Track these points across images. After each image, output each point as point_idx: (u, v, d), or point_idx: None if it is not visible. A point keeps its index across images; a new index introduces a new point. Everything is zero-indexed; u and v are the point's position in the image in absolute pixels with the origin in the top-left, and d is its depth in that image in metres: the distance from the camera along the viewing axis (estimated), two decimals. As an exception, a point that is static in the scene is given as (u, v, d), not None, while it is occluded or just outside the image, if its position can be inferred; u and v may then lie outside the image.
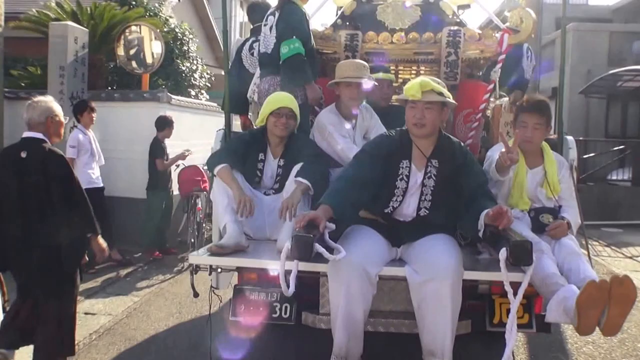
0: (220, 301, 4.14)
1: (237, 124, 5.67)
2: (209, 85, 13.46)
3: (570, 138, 4.28)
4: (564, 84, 4.26)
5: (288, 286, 2.99)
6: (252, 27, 5.84)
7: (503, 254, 2.92)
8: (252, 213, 3.71)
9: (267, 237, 3.97)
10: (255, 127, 4.31)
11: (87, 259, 4.03)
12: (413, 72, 5.28)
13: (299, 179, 3.75)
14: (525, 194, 3.74)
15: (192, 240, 7.93)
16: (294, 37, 4.47)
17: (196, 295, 3.86)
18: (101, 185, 7.34)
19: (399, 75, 5.31)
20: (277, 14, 4.63)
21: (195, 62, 12.73)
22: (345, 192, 3.31)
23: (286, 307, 3.68)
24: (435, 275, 3.13)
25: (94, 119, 7.32)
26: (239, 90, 5.28)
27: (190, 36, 12.66)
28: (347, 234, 3.43)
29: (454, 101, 3.52)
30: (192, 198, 8.15)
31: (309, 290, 3.63)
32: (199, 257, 3.60)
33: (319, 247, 2.90)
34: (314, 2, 5.37)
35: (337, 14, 5.72)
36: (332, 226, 3.22)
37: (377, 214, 3.54)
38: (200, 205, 8.09)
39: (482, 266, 3.47)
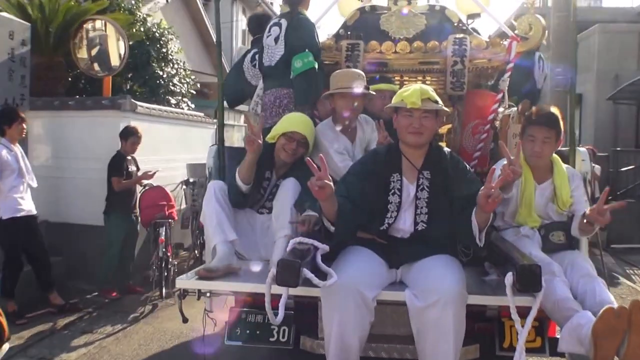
0: (215, 324, 3.89)
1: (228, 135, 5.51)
2: (194, 92, 12.19)
3: (583, 150, 4.03)
4: (575, 90, 4.02)
5: (276, 315, 2.78)
6: (252, 38, 5.64)
7: (509, 279, 2.68)
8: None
9: (262, 257, 3.77)
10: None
11: (16, 307, 3.63)
12: (419, 82, 5.04)
13: (310, 212, 3.44)
14: (534, 210, 3.51)
15: (152, 279, 6.76)
16: (307, 50, 4.31)
17: (185, 320, 3.67)
18: (34, 212, 5.91)
19: (404, 86, 5.07)
20: (283, 25, 4.44)
21: (175, 66, 11.34)
22: (342, 208, 3.10)
23: (284, 331, 3.48)
24: (436, 300, 2.89)
25: (25, 131, 5.95)
26: (234, 99, 5.19)
27: (171, 37, 11.32)
28: (342, 255, 3.22)
29: (447, 109, 3.38)
30: (154, 227, 6.96)
31: (309, 313, 3.44)
32: (186, 282, 3.41)
33: (307, 273, 2.69)
34: (316, 11, 5.21)
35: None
36: (326, 248, 3.01)
37: (373, 232, 3.31)
38: (163, 237, 6.82)
39: (489, 289, 3.22)
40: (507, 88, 4.73)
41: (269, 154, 3.89)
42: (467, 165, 3.43)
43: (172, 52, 11.27)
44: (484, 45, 4.73)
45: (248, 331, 3.50)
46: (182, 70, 11.63)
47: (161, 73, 10.66)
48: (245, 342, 3.51)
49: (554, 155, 3.64)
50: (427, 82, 5.02)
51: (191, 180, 8.09)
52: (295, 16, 4.43)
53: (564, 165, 3.66)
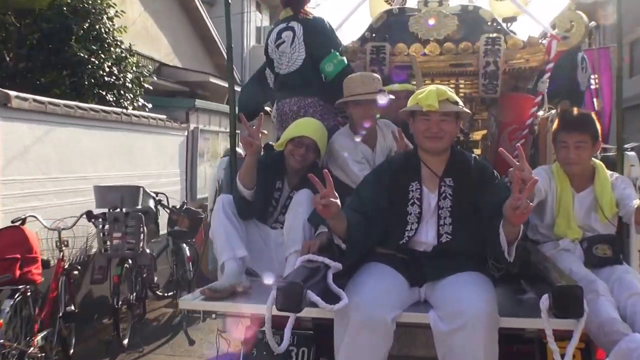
0: (229, 345, 3.66)
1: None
2: (147, 86, 9.30)
3: (632, 154, 3.65)
4: (622, 87, 3.63)
5: (279, 342, 2.51)
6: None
7: (545, 302, 2.33)
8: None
9: (277, 275, 3.46)
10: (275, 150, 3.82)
11: None
12: (452, 86, 4.71)
13: (323, 229, 3.17)
14: (574, 221, 3.19)
15: None
16: (332, 50, 4.09)
17: (191, 343, 3.43)
18: None
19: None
20: (297, 28, 4.17)
21: (113, 49, 8.44)
22: (352, 218, 2.85)
23: (303, 352, 3.18)
24: (463, 324, 2.56)
25: None
26: (251, 106, 4.84)
27: (111, 12, 8.59)
28: (357, 273, 2.91)
29: (468, 111, 3.10)
30: None
31: (330, 333, 3.07)
32: (189, 302, 3.16)
33: (312, 296, 2.39)
34: (342, 15, 4.92)
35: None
36: (338, 266, 2.72)
37: (392, 247, 3.01)
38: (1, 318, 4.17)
39: (526, 310, 2.84)
40: (546, 90, 4.38)
41: (279, 162, 3.64)
42: (495, 171, 3.09)
43: (109, 30, 8.49)
44: (521, 45, 4.39)
45: (265, 352, 3.19)
46: (130, 56, 8.82)
47: (85, 56, 7.80)
48: None
49: (597, 161, 3.32)
50: (461, 86, 4.70)
51: (97, 211, 5.82)
52: (311, 19, 4.20)
53: (609, 172, 3.32)
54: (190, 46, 15.52)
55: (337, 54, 4.13)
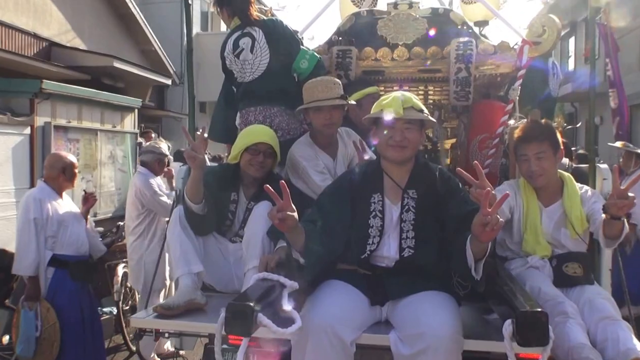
0: None
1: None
2: None
3: (604, 167, 3.53)
4: (595, 95, 3.52)
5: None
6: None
7: (508, 328, 2.17)
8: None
9: (236, 291, 3.29)
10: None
11: None
12: (420, 92, 4.58)
13: (282, 243, 3.05)
14: (542, 237, 3.06)
15: None
16: (301, 47, 3.99)
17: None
18: None
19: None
20: (257, 33, 3.94)
21: None
22: (311, 231, 2.71)
23: None
24: (425, 348, 2.42)
25: None
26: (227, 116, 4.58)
27: None
28: (316, 292, 2.75)
29: (434, 119, 2.95)
30: None
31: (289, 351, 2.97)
32: (141, 321, 2.99)
33: (263, 319, 2.22)
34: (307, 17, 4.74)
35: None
36: (294, 285, 2.55)
37: (354, 262, 2.85)
38: None
39: (491, 331, 2.70)
40: (518, 98, 4.25)
41: (233, 174, 3.48)
42: (460, 183, 2.95)
43: None
44: (492, 50, 4.25)
45: None
46: None
47: None
48: None
49: (565, 173, 3.20)
50: (430, 92, 4.58)
51: None
52: (267, 20, 4.02)
53: (579, 185, 3.19)
54: (102, 26, 13.01)
55: (306, 49, 4.02)
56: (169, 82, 14.84)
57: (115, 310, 6.22)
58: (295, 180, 3.56)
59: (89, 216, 4.87)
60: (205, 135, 3.23)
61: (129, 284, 6.21)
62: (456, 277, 2.79)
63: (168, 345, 5.67)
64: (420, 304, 2.61)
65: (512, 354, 2.21)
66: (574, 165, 4.30)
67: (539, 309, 2.13)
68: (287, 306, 2.46)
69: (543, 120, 3.27)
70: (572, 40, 21.60)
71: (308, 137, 3.69)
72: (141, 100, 8.78)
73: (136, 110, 8.88)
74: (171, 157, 9.68)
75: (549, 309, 2.59)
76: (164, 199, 5.46)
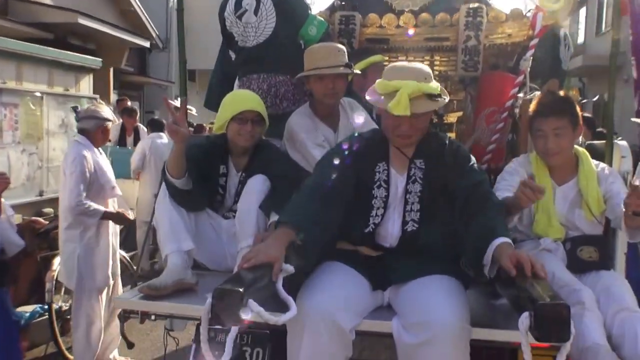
0: (177, 344, 3.42)
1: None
2: None
3: (623, 144, 3.33)
4: (615, 64, 3.30)
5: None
6: None
7: (524, 322, 1.98)
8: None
9: (229, 269, 3.14)
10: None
11: None
12: (426, 62, 4.37)
13: (273, 218, 2.90)
14: (555, 219, 2.85)
15: None
16: (310, 12, 3.81)
17: (130, 346, 3.07)
18: None
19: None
20: None
21: None
22: (306, 206, 2.50)
23: (258, 353, 2.87)
24: (430, 338, 2.24)
25: None
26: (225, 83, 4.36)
27: None
28: (314, 275, 2.57)
29: (446, 98, 2.67)
30: None
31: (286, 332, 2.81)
32: (126, 302, 2.84)
33: (253, 305, 2.02)
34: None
35: None
36: (290, 269, 2.36)
37: (356, 239, 2.68)
38: None
39: (501, 318, 2.55)
40: (529, 69, 4.04)
41: (220, 145, 3.29)
42: (470, 155, 2.75)
43: None
44: (503, 18, 4.04)
45: (217, 352, 2.87)
46: None
47: None
48: None
49: (579, 149, 3.00)
50: (436, 63, 4.37)
51: None
52: None
53: (594, 162, 2.99)
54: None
55: (316, 16, 3.84)
56: (147, 44, 14.09)
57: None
58: (293, 152, 3.39)
59: (2, 200, 3.86)
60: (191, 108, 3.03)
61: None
62: (464, 259, 2.61)
63: (115, 354, 4.52)
64: (425, 290, 2.44)
65: (528, 350, 2.02)
66: (587, 142, 4.09)
67: (561, 302, 1.94)
68: (282, 291, 2.27)
69: (562, 93, 3.01)
70: (582, 11, 21.15)
71: (307, 107, 3.50)
72: (101, 60, 7.84)
73: (111, 76, 8.21)
74: (141, 126, 9.40)
75: (564, 296, 2.42)
76: (105, 177, 4.48)
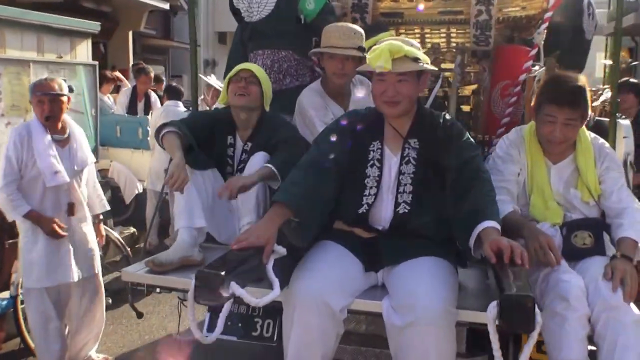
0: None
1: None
2: None
3: (625, 123, 3.28)
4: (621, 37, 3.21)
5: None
6: None
7: (492, 311, 2.04)
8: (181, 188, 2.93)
9: None
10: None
11: None
12: (442, 35, 4.36)
13: (267, 164, 3.02)
14: (552, 200, 2.79)
15: None
16: None
17: (140, 315, 3.24)
18: None
19: (426, 40, 4.40)
20: None
21: None
22: (302, 183, 2.56)
23: (269, 325, 3.00)
24: (414, 320, 2.31)
25: None
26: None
27: None
28: (308, 255, 2.65)
29: (433, 67, 2.70)
30: None
31: None
32: (133, 275, 2.94)
33: (235, 288, 2.13)
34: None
35: None
36: (283, 251, 2.46)
37: (351, 219, 2.74)
38: None
39: (490, 300, 2.59)
40: (543, 42, 3.99)
41: (227, 117, 3.36)
42: (466, 132, 2.75)
43: None
44: (517, -9, 3.99)
45: (229, 323, 2.98)
46: None
47: None
48: (226, 335, 2.96)
49: None
50: (452, 35, 4.33)
51: None
52: None
53: (591, 136, 2.89)
54: None
55: None
56: (166, 6, 13.35)
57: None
58: (302, 128, 3.45)
59: None
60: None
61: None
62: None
63: (92, 354, 4.16)
64: (414, 273, 2.50)
65: (496, 338, 2.08)
66: (597, 117, 4.03)
67: (526, 294, 1.98)
68: (271, 272, 2.37)
69: (578, 78, 2.80)
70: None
71: (319, 83, 3.55)
72: (99, 24, 7.19)
73: (130, 40, 7.53)
74: (153, 93, 8.62)
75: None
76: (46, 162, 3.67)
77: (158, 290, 3.00)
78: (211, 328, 2.95)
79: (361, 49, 3.33)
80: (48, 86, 3.64)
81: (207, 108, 5.95)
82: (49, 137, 3.66)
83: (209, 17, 17.19)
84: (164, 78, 8.69)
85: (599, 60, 9.12)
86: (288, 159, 2.99)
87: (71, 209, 3.77)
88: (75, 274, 3.75)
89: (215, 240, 3.30)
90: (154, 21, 14.41)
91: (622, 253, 2.53)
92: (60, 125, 3.73)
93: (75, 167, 3.78)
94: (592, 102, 3.61)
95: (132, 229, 6.69)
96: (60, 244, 3.68)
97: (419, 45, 2.71)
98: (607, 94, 4.06)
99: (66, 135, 3.77)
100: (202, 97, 7.18)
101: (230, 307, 2.44)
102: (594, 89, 3.95)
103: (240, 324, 3.02)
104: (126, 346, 4.63)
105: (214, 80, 6.54)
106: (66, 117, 3.81)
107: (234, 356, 3.81)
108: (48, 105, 3.61)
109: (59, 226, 3.63)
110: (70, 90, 4.40)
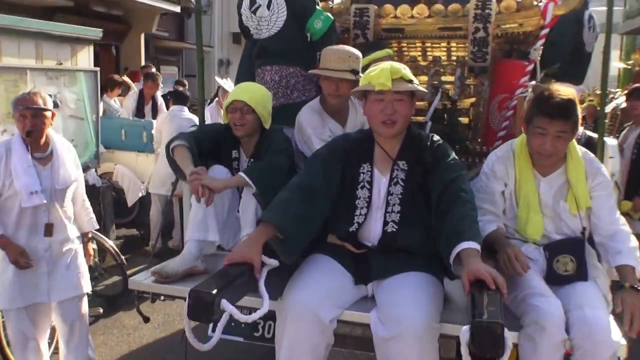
0: None
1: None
2: None
3: (612, 143, 3.35)
4: (609, 52, 3.27)
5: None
6: None
7: (464, 335, 2.16)
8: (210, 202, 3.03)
9: None
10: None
11: None
12: (443, 49, 4.48)
13: (241, 174, 3.13)
14: (536, 213, 2.83)
15: None
16: (317, 7, 3.93)
17: (146, 320, 3.42)
18: None
19: (427, 53, 4.53)
20: None
21: None
22: (288, 203, 2.70)
23: (270, 326, 3.21)
24: (400, 332, 2.45)
25: None
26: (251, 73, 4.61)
27: None
28: (300, 267, 2.81)
29: (424, 89, 2.85)
30: None
31: None
32: (140, 283, 3.12)
33: (226, 305, 2.30)
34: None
35: None
36: (274, 263, 2.62)
37: (342, 235, 2.88)
38: None
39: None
40: (543, 55, 4.10)
41: (231, 134, 3.46)
42: (452, 153, 2.85)
43: None
44: (514, 8, 4.10)
45: (233, 323, 3.12)
46: None
47: None
48: (228, 335, 3.19)
49: None
50: (452, 49, 4.46)
51: None
52: None
53: (582, 150, 2.90)
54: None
55: (323, 11, 3.98)
56: (176, 9, 13.28)
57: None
58: (301, 144, 3.58)
59: None
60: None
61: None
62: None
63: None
64: (400, 287, 2.63)
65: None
66: (588, 134, 4.12)
67: (496, 320, 2.10)
68: (262, 287, 2.53)
69: (569, 91, 2.79)
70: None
71: (318, 101, 3.66)
72: (101, 30, 7.09)
73: (142, 42, 7.60)
74: (160, 97, 8.59)
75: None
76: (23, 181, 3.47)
77: (162, 298, 3.17)
78: (214, 327, 3.04)
79: (354, 71, 3.44)
80: (31, 100, 3.49)
81: (222, 109, 6.14)
82: (28, 156, 3.48)
83: (223, 18, 17.51)
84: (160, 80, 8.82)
85: (613, 62, 9.16)
86: (265, 168, 3.17)
87: (49, 230, 3.53)
88: (54, 296, 3.56)
89: (220, 246, 3.43)
90: (167, 23, 14.59)
91: (630, 284, 2.59)
92: (43, 141, 3.55)
93: (57, 187, 3.56)
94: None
95: (135, 231, 6.86)
96: (36, 266, 3.48)
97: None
98: (620, 100, 4.11)
99: (48, 153, 3.58)
100: (218, 98, 7.40)
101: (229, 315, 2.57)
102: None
103: (242, 325, 3.15)
104: (114, 360, 4.67)
105: (228, 85, 6.74)
106: (51, 132, 3.64)
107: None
108: (30, 120, 3.45)
109: (26, 257, 3.42)
110: (55, 105, 4.27)
